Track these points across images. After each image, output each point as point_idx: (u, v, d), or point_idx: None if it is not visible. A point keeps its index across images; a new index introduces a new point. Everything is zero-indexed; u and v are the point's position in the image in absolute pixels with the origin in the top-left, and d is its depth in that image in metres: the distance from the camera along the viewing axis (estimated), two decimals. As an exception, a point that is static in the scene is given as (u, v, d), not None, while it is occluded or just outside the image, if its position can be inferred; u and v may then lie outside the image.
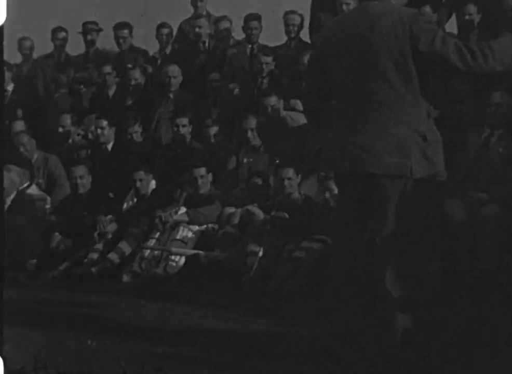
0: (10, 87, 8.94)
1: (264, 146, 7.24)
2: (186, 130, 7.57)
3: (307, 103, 4.28)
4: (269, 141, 7.21)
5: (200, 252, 6.56)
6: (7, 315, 3.62)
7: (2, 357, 3.48)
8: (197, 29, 8.61)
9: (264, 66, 7.77)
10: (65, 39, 9.34)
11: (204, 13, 9.01)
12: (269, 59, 7.81)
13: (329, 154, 4.06)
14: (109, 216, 7.10)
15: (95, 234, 6.94)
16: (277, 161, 6.96)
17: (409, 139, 3.87)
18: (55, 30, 9.31)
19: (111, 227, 6.99)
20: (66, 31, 9.33)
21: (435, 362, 4.06)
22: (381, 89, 3.86)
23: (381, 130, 3.85)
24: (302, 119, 6.65)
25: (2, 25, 3.45)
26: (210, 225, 6.75)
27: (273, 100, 7.19)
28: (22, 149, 7.90)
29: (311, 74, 4.22)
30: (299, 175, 6.51)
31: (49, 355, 4.11)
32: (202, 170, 6.92)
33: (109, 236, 6.96)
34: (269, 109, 7.18)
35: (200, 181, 6.91)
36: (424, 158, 3.89)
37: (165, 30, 8.88)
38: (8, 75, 8.92)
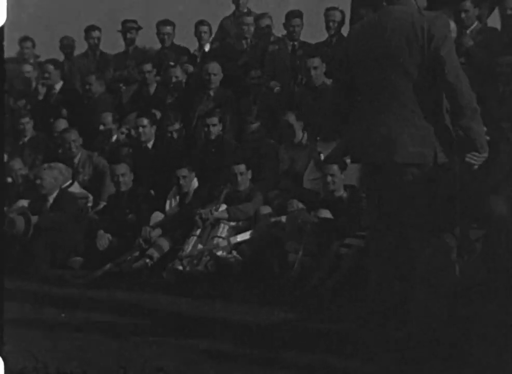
0: (58, 86, 9.13)
1: (301, 117, 7.25)
2: (216, 129, 7.64)
3: (335, 99, 4.49)
4: (307, 111, 7.28)
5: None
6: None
7: (2, 357, 3.58)
8: (244, 27, 8.70)
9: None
10: (99, 38, 9.45)
11: (245, 10, 9.14)
12: (317, 61, 7.75)
13: (357, 145, 4.28)
14: (155, 214, 7.23)
15: (140, 240, 7.03)
16: (321, 155, 7.00)
17: (432, 131, 4.07)
18: (88, 29, 9.41)
19: (156, 232, 7.08)
20: (99, 30, 9.43)
21: (478, 356, 4.16)
22: (404, 85, 4.11)
23: (405, 122, 4.11)
24: None
25: (3, 25, 3.54)
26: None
27: (316, 61, 7.29)
28: (72, 145, 8.04)
29: (338, 72, 4.45)
30: (344, 172, 6.52)
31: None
32: (242, 167, 7.03)
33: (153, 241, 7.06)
34: (312, 71, 7.31)
35: (239, 178, 7.01)
36: (448, 147, 4.10)
37: (204, 28, 8.95)
38: (56, 73, 9.08)
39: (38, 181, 7.62)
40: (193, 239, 6.89)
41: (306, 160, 7.19)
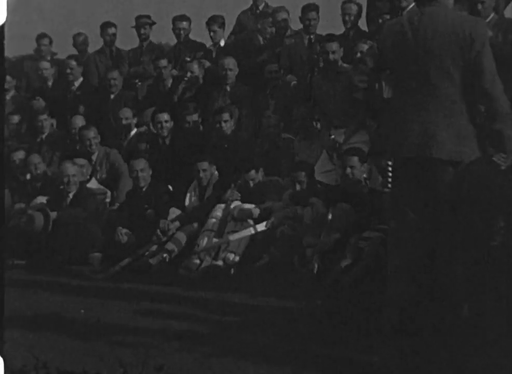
0: (77, 83, 9.21)
1: (317, 110, 7.39)
2: (228, 125, 7.77)
3: (365, 93, 4.65)
4: (323, 98, 7.37)
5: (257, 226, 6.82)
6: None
7: (2, 356, 3.62)
8: (265, 27, 8.81)
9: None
10: (114, 34, 9.53)
11: (263, 4, 9.25)
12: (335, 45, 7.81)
13: (394, 140, 4.43)
14: (171, 210, 7.32)
15: (158, 231, 7.14)
16: (331, 136, 7.09)
17: (469, 130, 4.23)
18: (104, 26, 9.51)
19: (174, 224, 7.18)
20: (115, 26, 9.52)
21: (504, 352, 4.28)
22: (443, 84, 4.30)
23: (443, 120, 4.29)
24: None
25: (3, 25, 3.60)
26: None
27: (335, 46, 7.39)
28: (92, 142, 8.13)
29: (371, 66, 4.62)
30: (365, 164, 6.59)
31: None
32: (252, 173, 7.17)
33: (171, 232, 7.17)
34: (330, 55, 7.42)
35: (251, 183, 7.17)
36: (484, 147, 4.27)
37: (214, 27, 8.98)
38: (78, 69, 9.17)
39: (65, 179, 7.66)
40: (209, 233, 7.00)
41: (318, 152, 7.28)
